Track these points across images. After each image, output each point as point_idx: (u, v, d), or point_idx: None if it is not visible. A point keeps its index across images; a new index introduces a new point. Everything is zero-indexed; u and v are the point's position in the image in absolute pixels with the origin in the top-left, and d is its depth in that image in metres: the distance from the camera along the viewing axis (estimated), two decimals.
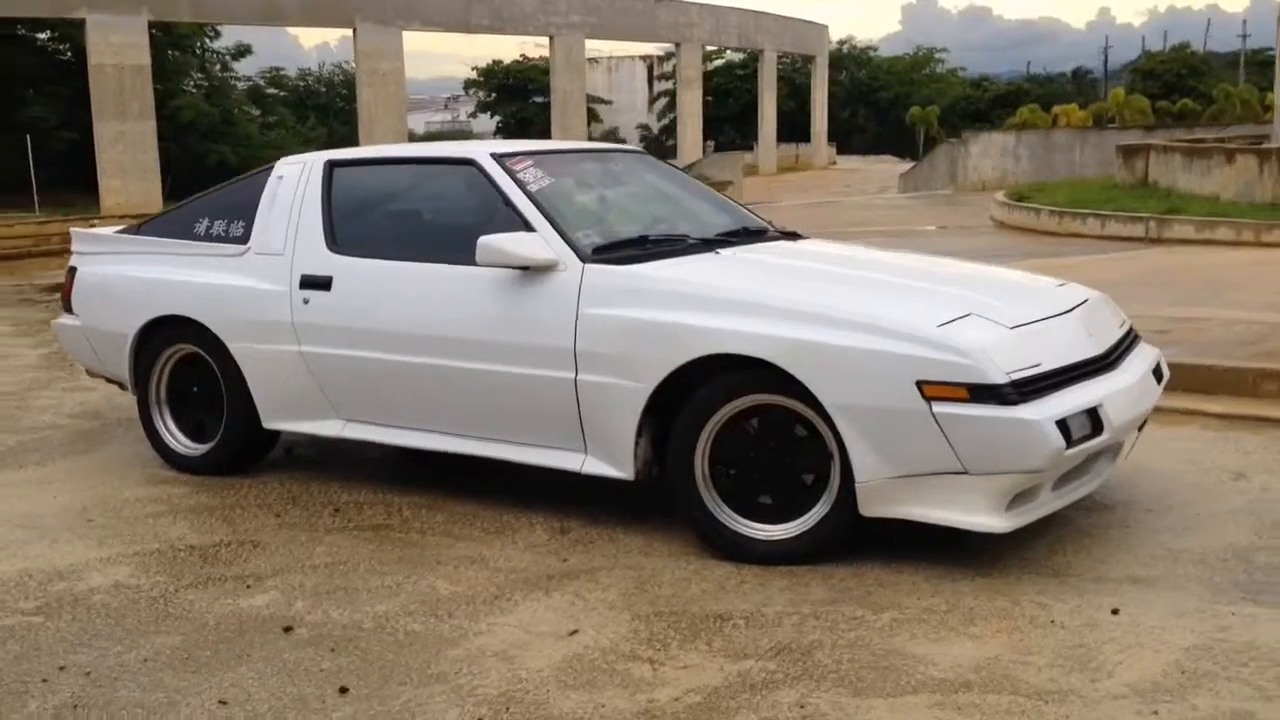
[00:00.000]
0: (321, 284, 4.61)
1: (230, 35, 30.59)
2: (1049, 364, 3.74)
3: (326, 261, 4.64)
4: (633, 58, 62.37)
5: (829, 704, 2.92)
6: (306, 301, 4.62)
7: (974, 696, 2.95)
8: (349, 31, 25.40)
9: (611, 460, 4.10)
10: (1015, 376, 3.58)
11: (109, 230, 5.46)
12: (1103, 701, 2.91)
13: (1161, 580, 3.69)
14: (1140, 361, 4.23)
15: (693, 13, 32.36)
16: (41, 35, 29.11)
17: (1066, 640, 3.27)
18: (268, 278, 4.72)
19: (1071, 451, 3.61)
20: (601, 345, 4.03)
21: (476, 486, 4.66)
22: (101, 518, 4.42)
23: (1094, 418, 3.74)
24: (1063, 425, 3.60)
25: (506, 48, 58.69)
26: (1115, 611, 3.45)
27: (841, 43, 56.00)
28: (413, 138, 57.49)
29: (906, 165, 31.54)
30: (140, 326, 5.03)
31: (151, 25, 23.63)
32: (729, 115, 53.18)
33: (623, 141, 59.00)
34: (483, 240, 4.13)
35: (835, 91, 48.78)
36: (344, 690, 3.01)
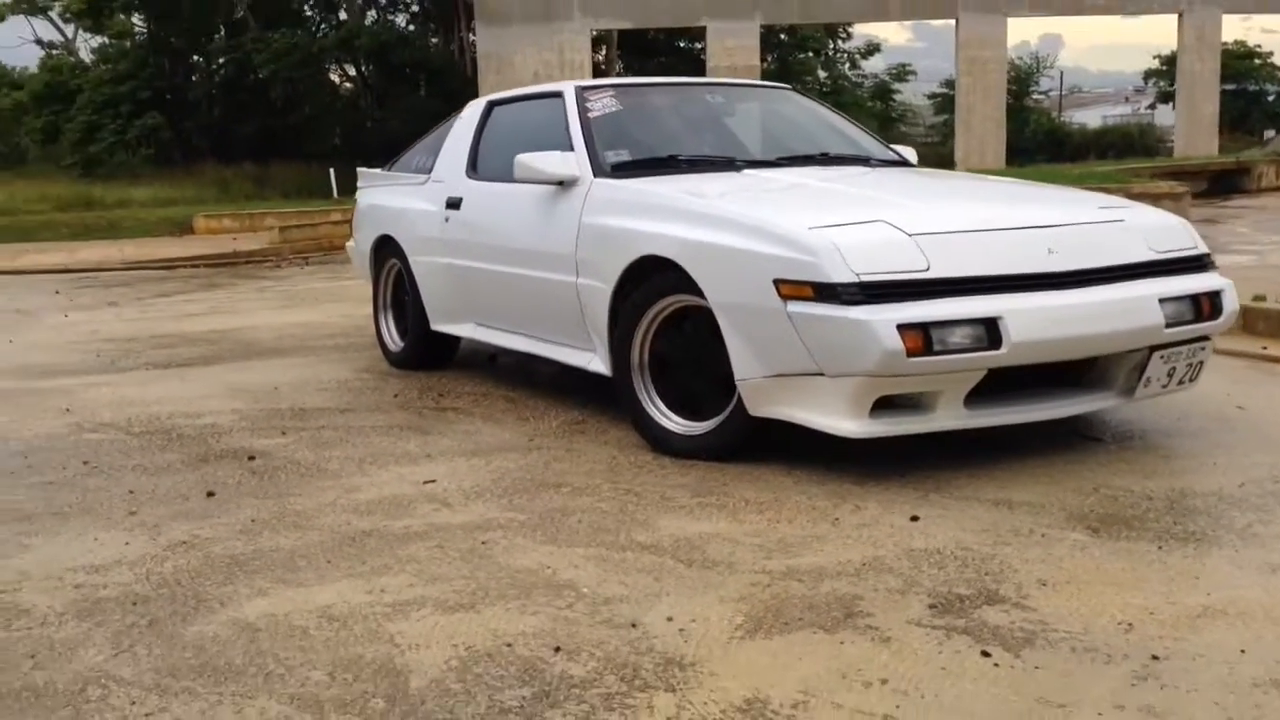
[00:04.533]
0: (456, 204, 5.38)
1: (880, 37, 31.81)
2: (944, 271, 3.55)
3: (463, 185, 5.41)
4: None
5: (506, 543, 3.19)
6: (447, 220, 5.42)
7: (632, 555, 3.07)
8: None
9: (604, 359, 4.46)
10: (868, 278, 3.47)
11: (380, 170, 6.62)
12: (737, 574, 2.91)
13: (1027, 505, 3.40)
14: (1136, 289, 3.77)
15: None
16: (681, 42, 32.32)
17: (808, 532, 3.22)
18: (433, 200, 5.58)
19: (921, 360, 3.42)
20: (589, 251, 4.41)
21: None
22: (285, 389, 5.53)
23: (990, 329, 3.49)
24: (918, 329, 3.43)
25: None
26: (914, 519, 3.30)
27: None
28: (1084, 133, 55.62)
29: None
30: (372, 243, 6.14)
31: (764, 28, 25.51)
32: None
33: None
34: (518, 158, 4.66)
35: None
36: (211, 494, 3.77)
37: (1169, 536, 3.08)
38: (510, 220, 4.95)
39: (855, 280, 3.46)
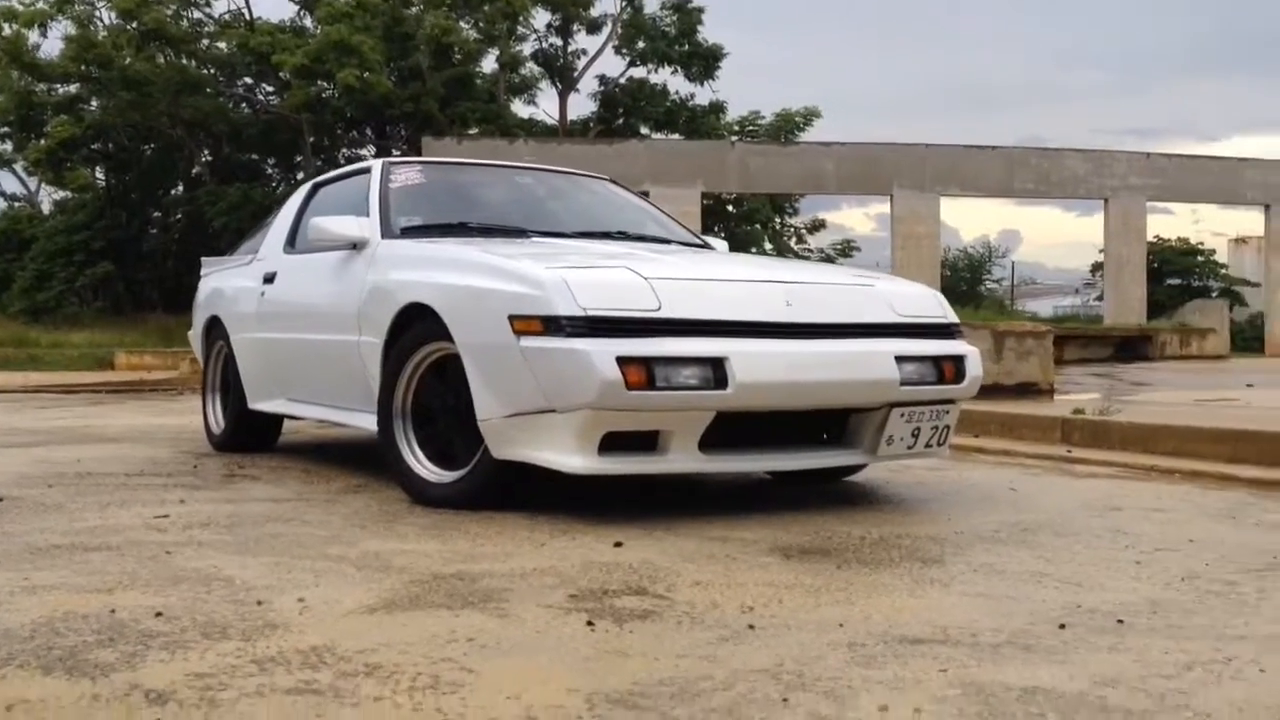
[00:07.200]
0: (271, 279, 5.42)
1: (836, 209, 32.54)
2: (675, 313, 3.59)
3: (280, 260, 5.46)
4: None
5: (192, 552, 3.12)
6: (263, 294, 5.45)
7: (310, 562, 3.01)
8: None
9: None
10: (595, 313, 3.50)
11: (222, 257, 6.67)
12: (403, 575, 2.85)
13: (740, 540, 3.37)
14: (872, 344, 3.83)
15: None
16: None
17: (504, 550, 3.19)
18: (254, 278, 5.62)
19: (643, 394, 3.42)
20: (368, 308, 4.43)
21: None
22: (88, 461, 5.46)
23: (716, 370, 3.51)
24: (640, 363, 3.44)
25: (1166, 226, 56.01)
26: (618, 544, 3.26)
27: None
28: (1034, 320, 56.57)
29: None
30: (202, 325, 6.16)
31: (705, 196, 26.20)
32: None
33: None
34: (312, 221, 4.73)
35: None
36: None
37: (855, 560, 3.06)
38: (309, 287, 4.99)
39: (581, 314, 3.49)
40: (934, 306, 4.14)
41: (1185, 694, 1.90)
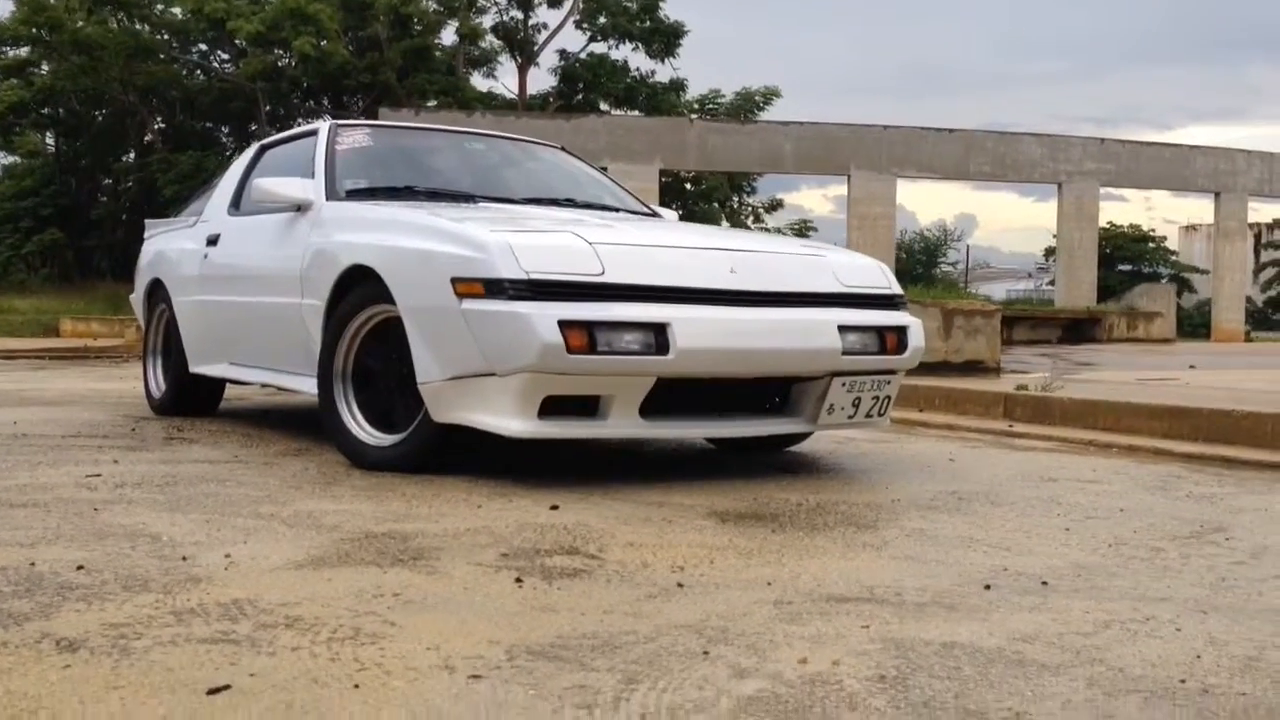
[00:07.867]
0: (215, 241, 5.35)
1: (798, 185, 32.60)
2: (619, 278, 3.57)
3: (224, 222, 5.39)
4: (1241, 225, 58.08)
5: (120, 509, 3.08)
6: (206, 256, 5.38)
7: (242, 520, 2.98)
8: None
9: None
10: (538, 276, 3.48)
11: (167, 219, 6.59)
12: (334, 533, 2.83)
13: (677, 505, 3.37)
14: (815, 314, 3.83)
15: (1238, 160, 29.75)
16: None
17: (439, 512, 3.17)
18: (197, 240, 5.55)
19: (584, 358, 3.41)
20: (309, 270, 4.38)
21: None
22: (24, 423, 5.38)
23: (658, 335, 3.50)
24: (582, 327, 3.43)
25: (1120, 213, 56.56)
26: (554, 507, 3.24)
27: None
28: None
29: None
30: (144, 288, 6.07)
31: (664, 174, 26.17)
32: None
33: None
34: (256, 181, 4.66)
35: None
36: None
37: (790, 524, 3.07)
38: (253, 250, 4.94)
39: (524, 277, 3.46)
40: (879, 277, 4.15)
41: (1100, 649, 1.92)
